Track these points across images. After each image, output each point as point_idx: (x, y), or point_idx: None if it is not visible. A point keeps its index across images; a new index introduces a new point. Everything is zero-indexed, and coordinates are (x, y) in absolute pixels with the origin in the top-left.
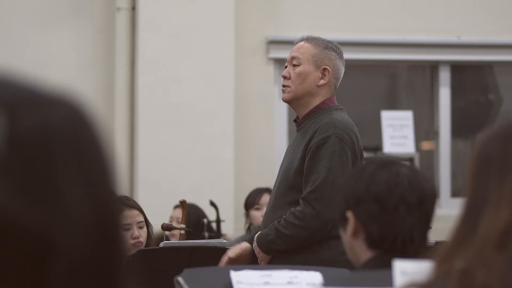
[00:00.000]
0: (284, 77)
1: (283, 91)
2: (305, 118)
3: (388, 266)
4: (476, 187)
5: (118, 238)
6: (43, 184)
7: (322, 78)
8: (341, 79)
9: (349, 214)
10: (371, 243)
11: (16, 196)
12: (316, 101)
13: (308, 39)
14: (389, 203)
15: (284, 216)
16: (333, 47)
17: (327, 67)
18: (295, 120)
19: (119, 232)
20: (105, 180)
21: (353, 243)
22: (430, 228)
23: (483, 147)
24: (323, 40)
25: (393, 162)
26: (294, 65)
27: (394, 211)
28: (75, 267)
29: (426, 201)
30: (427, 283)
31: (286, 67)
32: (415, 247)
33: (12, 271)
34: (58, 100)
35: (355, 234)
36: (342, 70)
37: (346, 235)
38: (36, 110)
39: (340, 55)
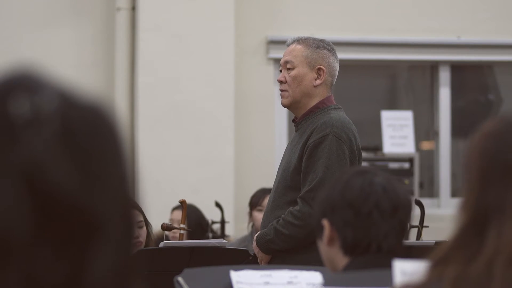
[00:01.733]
0: (280, 82)
1: (282, 96)
2: (304, 118)
3: (368, 267)
4: (486, 192)
5: (135, 226)
6: (95, 166)
7: (317, 78)
8: (336, 76)
9: (325, 222)
10: (346, 249)
11: (73, 174)
12: (314, 101)
13: (299, 41)
14: (363, 209)
15: (282, 215)
16: (325, 46)
17: (322, 67)
18: (293, 120)
19: (136, 220)
20: (128, 172)
21: (329, 251)
22: (427, 227)
23: (490, 143)
24: (314, 39)
25: (368, 170)
26: (289, 69)
27: (368, 216)
28: (112, 249)
29: (401, 209)
30: (421, 284)
31: (281, 71)
32: (390, 253)
33: (64, 245)
34: (95, 99)
35: (330, 241)
36: (337, 67)
37: (323, 244)
38: (83, 102)
39: (332, 52)
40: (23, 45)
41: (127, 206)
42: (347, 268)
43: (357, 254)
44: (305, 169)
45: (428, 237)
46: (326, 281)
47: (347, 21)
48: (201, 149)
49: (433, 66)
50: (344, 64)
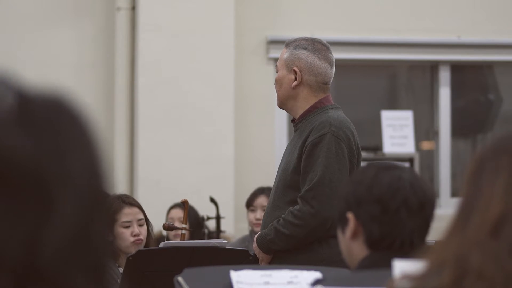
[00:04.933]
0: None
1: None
2: (302, 118)
3: (384, 263)
4: (470, 186)
5: (104, 212)
6: (50, 138)
7: (295, 79)
8: (325, 74)
9: (350, 215)
10: (371, 244)
11: (27, 143)
12: (300, 102)
13: (287, 44)
14: (391, 205)
15: (283, 215)
16: (305, 46)
17: (295, 68)
18: (292, 121)
19: (105, 205)
20: (98, 154)
21: (352, 245)
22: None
23: (479, 156)
24: (298, 40)
25: (395, 166)
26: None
27: (395, 213)
28: (67, 219)
29: (427, 206)
30: (421, 274)
31: None
32: (413, 250)
33: (14, 209)
34: (54, 92)
35: (354, 235)
36: (322, 64)
37: (345, 237)
38: (41, 91)
39: (313, 51)
40: (23, 45)
41: (93, 182)
42: (364, 261)
43: (380, 249)
44: (304, 169)
45: (428, 237)
46: (326, 281)
47: (347, 21)
48: (201, 149)
49: (433, 66)
50: (344, 64)
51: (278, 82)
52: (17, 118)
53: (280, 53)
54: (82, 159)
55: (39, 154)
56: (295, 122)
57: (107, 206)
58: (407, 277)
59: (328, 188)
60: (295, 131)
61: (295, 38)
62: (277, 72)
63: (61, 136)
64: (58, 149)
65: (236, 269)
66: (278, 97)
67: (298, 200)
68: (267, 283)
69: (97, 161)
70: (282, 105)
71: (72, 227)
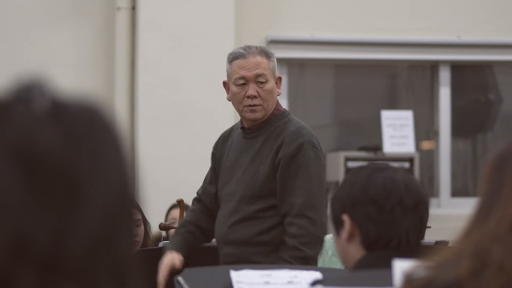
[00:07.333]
0: (254, 97)
1: (254, 110)
2: (263, 125)
3: (382, 263)
4: (490, 183)
5: (130, 218)
6: (82, 137)
7: (278, 87)
8: None
9: (345, 217)
10: (368, 244)
11: (60, 139)
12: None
13: (261, 52)
14: (387, 205)
15: (283, 255)
16: (272, 53)
17: (279, 75)
18: (243, 127)
19: (131, 211)
20: (127, 161)
21: (348, 247)
22: (430, 227)
23: (500, 154)
24: (264, 48)
25: (388, 167)
26: (262, 82)
27: (391, 212)
28: (94, 215)
29: (421, 205)
30: (438, 264)
31: (243, 84)
32: (410, 249)
33: (46, 203)
34: (88, 99)
35: (350, 237)
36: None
37: (341, 240)
38: (75, 97)
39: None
40: (23, 45)
41: (121, 187)
42: (361, 261)
43: (377, 249)
44: (284, 184)
45: (428, 236)
46: (326, 281)
47: (347, 21)
48: (201, 149)
49: (433, 66)
50: (344, 64)
51: (271, 92)
52: (50, 118)
53: (280, 52)
54: (112, 164)
55: (69, 152)
56: (251, 130)
57: (132, 213)
58: (423, 266)
59: (318, 199)
60: (249, 138)
61: (255, 45)
62: (265, 81)
63: (92, 139)
64: (89, 150)
65: (236, 269)
66: (267, 107)
67: (291, 220)
68: (267, 283)
69: (126, 168)
70: (264, 116)
71: (99, 226)
